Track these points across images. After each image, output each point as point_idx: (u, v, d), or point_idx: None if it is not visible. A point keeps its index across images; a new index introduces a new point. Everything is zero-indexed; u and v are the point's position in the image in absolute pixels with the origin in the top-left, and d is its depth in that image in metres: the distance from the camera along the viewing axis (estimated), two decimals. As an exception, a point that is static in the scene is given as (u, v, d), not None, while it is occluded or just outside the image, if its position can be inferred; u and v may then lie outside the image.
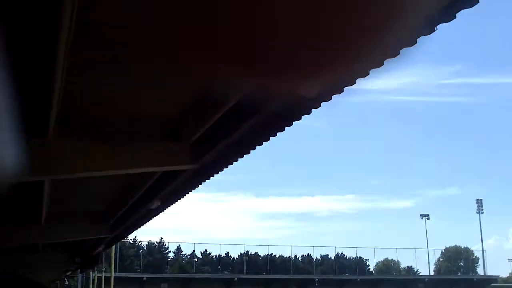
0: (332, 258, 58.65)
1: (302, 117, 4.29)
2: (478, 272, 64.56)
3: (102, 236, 13.04)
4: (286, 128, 4.55)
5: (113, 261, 27.62)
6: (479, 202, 66.39)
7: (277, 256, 57.64)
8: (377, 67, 3.41)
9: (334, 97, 3.98)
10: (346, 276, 54.29)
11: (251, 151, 5.25)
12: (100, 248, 16.64)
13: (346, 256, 60.14)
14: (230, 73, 0.71)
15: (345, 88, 3.87)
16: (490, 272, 63.48)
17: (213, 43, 0.64)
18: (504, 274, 73.00)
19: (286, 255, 58.26)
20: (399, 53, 3.20)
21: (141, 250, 55.11)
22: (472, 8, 3.24)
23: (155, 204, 8.15)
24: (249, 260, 55.61)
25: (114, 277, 29.22)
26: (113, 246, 24.28)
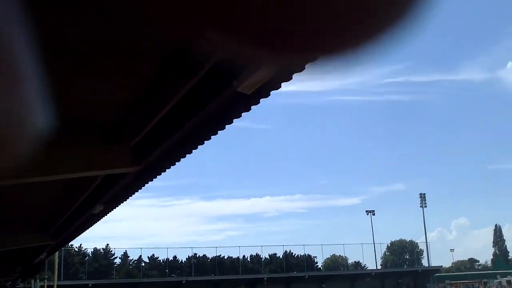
0: (281, 256, 59.32)
1: (242, 114, 4.33)
2: (423, 264, 66.99)
3: (44, 244, 12.64)
4: (227, 126, 4.58)
5: (56, 269, 26.80)
6: (423, 197, 68.85)
7: (225, 257, 57.78)
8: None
9: (279, 98, 4.05)
10: (294, 273, 54.87)
11: (193, 150, 5.25)
12: (42, 256, 16.12)
13: (295, 254, 61.00)
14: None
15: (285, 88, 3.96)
16: (434, 263, 66.07)
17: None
18: (447, 264, 76.14)
19: (234, 256, 58.56)
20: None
21: (87, 257, 53.96)
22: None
23: (98, 208, 7.98)
24: (197, 263, 55.42)
25: (58, 285, 28.41)
26: (57, 254, 23.58)
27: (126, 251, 56.57)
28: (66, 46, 3.69)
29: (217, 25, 0.55)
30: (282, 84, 3.91)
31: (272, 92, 4.03)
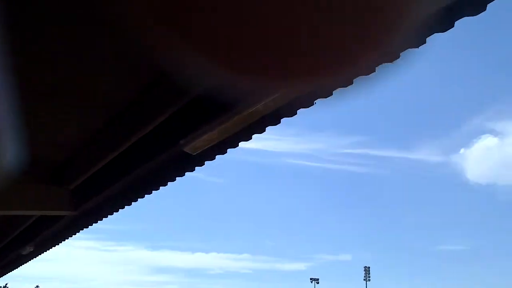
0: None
1: (186, 173, 4.36)
2: None
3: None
4: (171, 182, 4.58)
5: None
6: (367, 270, 68.99)
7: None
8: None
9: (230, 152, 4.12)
10: None
11: (133, 203, 5.20)
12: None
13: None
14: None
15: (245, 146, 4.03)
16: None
17: None
18: None
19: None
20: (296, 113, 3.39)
21: (12, 299, 51.06)
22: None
23: (28, 249, 7.66)
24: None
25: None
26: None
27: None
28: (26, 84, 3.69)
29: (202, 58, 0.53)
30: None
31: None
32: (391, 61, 2.43)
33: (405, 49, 2.40)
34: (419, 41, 2.38)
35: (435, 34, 2.42)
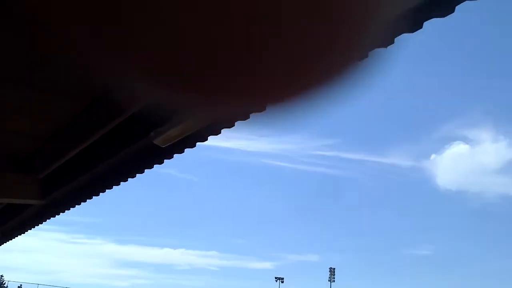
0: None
1: (154, 166, 4.42)
2: None
3: None
4: (139, 174, 4.63)
5: None
6: (332, 271, 69.65)
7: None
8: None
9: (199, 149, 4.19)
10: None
11: (105, 191, 5.22)
12: None
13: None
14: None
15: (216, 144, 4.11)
16: None
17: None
18: None
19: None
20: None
21: (-25, 288, 50.14)
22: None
23: (-6, 237, 7.62)
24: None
25: None
26: None
27: (21, 285, 53.11)
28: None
29: (146, 72, 0.53)
30: (210, 138, 4.03)
31: (204, 145, 4.15)
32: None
33: (372, 49, 2.48)
34: (387, 41, 2.42)
35: (404, 34, 2.46)
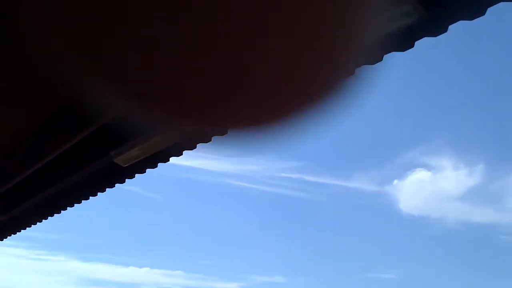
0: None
1: (119, 185, 4.35)
2: None
3: None
4: (101, 192, 4.55)
5: None
6: (298, 293, 69.24)
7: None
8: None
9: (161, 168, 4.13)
10: None
11: (66, 209, 5.12)
12: None
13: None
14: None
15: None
16: None
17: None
18: None
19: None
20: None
21: None
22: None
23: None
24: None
25: None
26: None
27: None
28: None
29: (116, 83, 0.49)
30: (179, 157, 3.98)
31: (170, 164, 4.08)
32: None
33: (360, 66, 2.42)
34: (375, 59, 2.28)
35: (392, 53, 2.40)
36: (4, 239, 6.58)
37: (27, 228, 5.79)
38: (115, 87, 0.52)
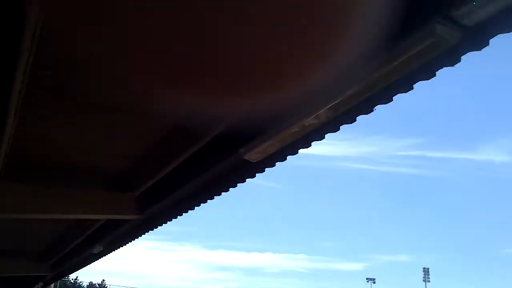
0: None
1: (247, 180, 4.39)
2: None
3: (41, 274, 12.63)
4: (233, 188, 4.63)
5: (51, 299, 26.53)
6: (426, 271, 66.97)
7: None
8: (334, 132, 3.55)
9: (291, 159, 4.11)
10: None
11: (200, 205, 5.29)
12: (38, 286, 16.03)
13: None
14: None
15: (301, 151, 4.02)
16: None
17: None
18: None
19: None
20: (355, 119, 3.33)
21: (82, 290, 53.46)
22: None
23: (98, 248, 7.99)
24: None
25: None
26: (53, 285, 23.43)
27: (121, 288, 55.97)
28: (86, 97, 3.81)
29: (233, 93, 0.54)
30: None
31: None
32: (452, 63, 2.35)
33: (467, 52, 2.30)
34: (482, 43, 2.26)
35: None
36: (142, 235, 6.99)
37: (163, 224, 6.09)
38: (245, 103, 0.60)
